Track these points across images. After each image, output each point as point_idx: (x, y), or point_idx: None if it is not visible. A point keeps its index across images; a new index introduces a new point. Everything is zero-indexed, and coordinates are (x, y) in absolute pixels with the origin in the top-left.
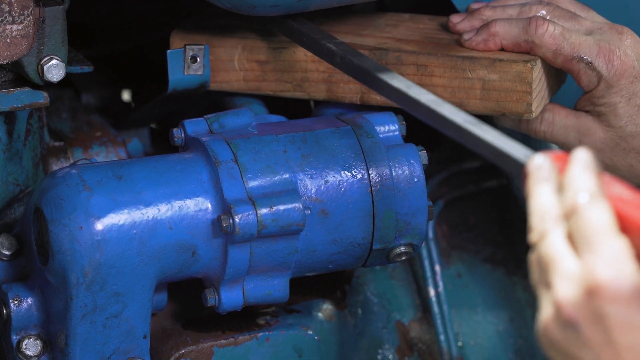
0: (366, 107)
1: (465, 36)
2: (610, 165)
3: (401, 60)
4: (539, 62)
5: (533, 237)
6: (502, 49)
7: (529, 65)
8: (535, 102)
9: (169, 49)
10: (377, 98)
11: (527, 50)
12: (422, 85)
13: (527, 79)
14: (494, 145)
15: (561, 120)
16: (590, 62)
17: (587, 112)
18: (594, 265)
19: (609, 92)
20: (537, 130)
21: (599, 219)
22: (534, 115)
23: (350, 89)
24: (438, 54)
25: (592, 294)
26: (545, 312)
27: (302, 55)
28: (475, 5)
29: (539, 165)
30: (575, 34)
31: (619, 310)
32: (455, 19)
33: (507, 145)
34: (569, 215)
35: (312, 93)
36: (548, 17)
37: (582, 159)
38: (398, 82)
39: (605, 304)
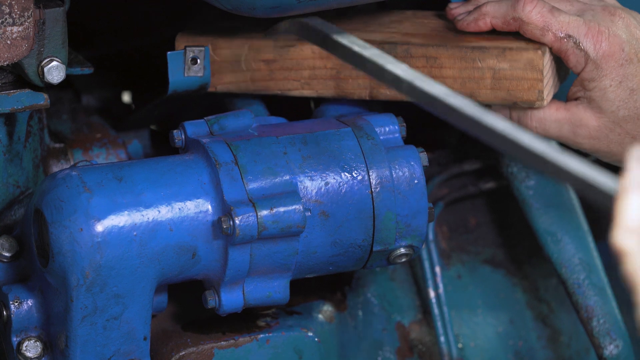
0: (375, 103)
1: (458, 17)
2: (607, 153)
3: (410, 53)
4: (548, 50)
5: (618, 244)
6: (494, 29)
7: (539, 52)
8: (546, 89)
9: (169, 50)
10: (386, 93)
11: (516, 29)
12: (432, 77)
13: (538, 67)
14: (580, 175)
15: (552, 114)
16: (578, 42)
17: (577, 100)
18: None
19: (599, 75)
20: (529, 126)
21: None
22: (545, 103)
23: (359, 85)
24: (447, 45)
25: None
26: None
27: (309, 52)
28: None
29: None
30: (565, 14)
31: None
32: (452, 5)
33: (594, 174)
34: None
35: (320, 90)
36: None
37: None
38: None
39: None
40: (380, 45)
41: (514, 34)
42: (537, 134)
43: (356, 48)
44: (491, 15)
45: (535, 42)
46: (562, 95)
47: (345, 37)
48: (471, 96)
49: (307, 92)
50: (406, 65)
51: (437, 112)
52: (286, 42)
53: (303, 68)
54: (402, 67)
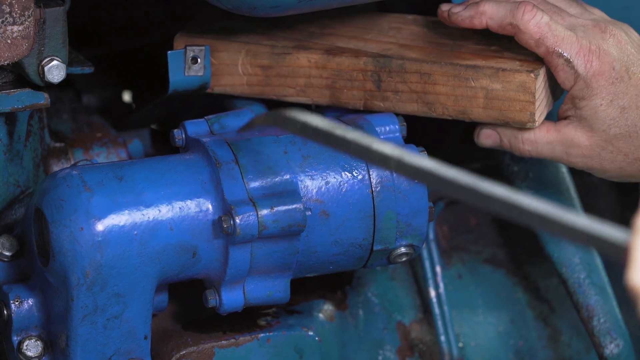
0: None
1: (454, 9)
2: (600, 170)
3: (405, 68)
4: (542, 72)
5: (633, 284)
6: (487, 29)
7: (532, 75)
8: (538, 111)
9: (170, 49)
10: (380, 105)
11: (511, 34)
12: (425, 93)
13: (530, 89)
14: (586, 230)
15: (543, 136)
16: (569, 60)
17: (568, 119)
18: None
19: (589, 94)
20: (522, 150)
21: None
22: (536, 124)
23: (353, 95)
24: (442, 62)
25: None
26: None
27: (305, 61)
28: None
29: None
30: (561, 27)
31: None
32: (444, 7)
33: (601, 227)
34: None
35: (316, 99)
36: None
37: None
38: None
39: None
40: (375, 58)
41: (509, 53)
42: (531, 156)
43: (338, 132)
44: (488, 16)
45: (529, 64)
46: (554, 115)
47: (326, 123)
48: (464, 114)
49: (302, 99)
50: (391, 144)
51: (430, 185)
52: (283, 50)
53: (299, 76)
54: (388, 145)
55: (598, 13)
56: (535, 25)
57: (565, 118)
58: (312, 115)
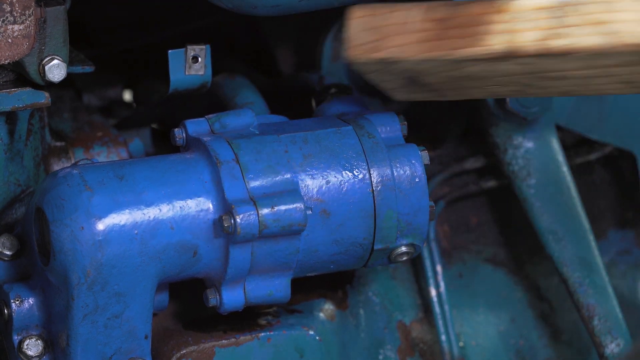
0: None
1: None
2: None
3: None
4: None
5: None
6: None
7: None
8: None
9: (170, 49)
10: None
11: None
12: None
13: None
14: None
15: None
16: None
17: None
18: None
19: None
20: None
21: None
22: None
23: (530, 37)
24: None
25: None
26: None
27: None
28: None
29: None
30: None
31: None
32: None
33: None
34: None
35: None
36: None
37: None
38: None
39: None
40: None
41: None
42: None
43: None
44: None
45: None
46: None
47: None
48: None
49: (479, 50)
50: None
51: None
52: (461, 2)
53: (475, 24)
54: None
55: None
56: None
57: None
58: None
